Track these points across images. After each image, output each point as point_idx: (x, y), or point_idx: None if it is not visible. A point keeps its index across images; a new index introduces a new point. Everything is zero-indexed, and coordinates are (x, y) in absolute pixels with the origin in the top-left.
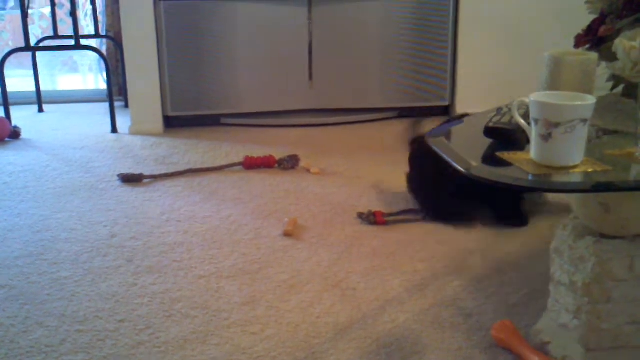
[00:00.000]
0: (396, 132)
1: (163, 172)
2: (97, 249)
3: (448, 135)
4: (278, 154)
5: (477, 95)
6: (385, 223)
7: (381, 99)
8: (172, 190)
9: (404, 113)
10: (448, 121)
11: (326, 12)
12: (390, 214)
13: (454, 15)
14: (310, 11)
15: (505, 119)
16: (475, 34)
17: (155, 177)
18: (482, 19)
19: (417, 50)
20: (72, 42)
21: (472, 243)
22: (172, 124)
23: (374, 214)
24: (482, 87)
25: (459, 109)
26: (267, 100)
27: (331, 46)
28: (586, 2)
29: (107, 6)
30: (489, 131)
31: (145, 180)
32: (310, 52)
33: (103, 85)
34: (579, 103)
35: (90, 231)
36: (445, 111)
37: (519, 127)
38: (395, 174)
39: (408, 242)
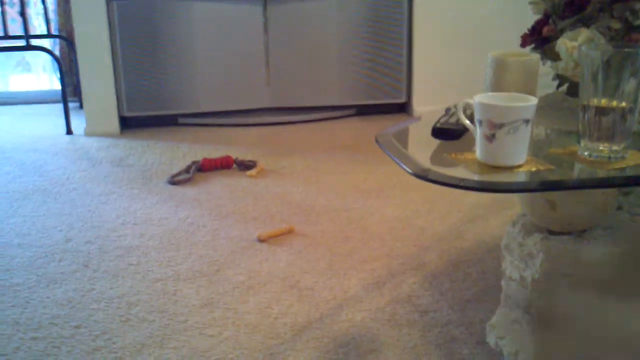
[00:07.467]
0: (353, 130)
1: (119, 174)
2: (51, 254)
3: (397, 136)
4: (236, 153)
5: (433, 92)
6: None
7: (338, 96)
8: (127, 193)
9: (361, 110)
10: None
11: (282, 10)
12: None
13: (408, 13)
14: (265, 10)
15: (453, 120)
16: (430, 32)
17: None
18: (437, 16)
19: (373, 47)
20: (23, 43)
21: (429, 240)
22: (128, 124)
23: None
24: (438, 83)
25: (416, 105)
26: (224, 99)
27: (287, 45)
28: (530, 3)
29: (58, 5)
30: (436, 132)
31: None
32: (266, 51)
33: (58, 86)
34: (522, 104)
35: (44, 236)
36: (402, 108)
37: (465, 128)
38: (353, 172)
39: (366, 240)
